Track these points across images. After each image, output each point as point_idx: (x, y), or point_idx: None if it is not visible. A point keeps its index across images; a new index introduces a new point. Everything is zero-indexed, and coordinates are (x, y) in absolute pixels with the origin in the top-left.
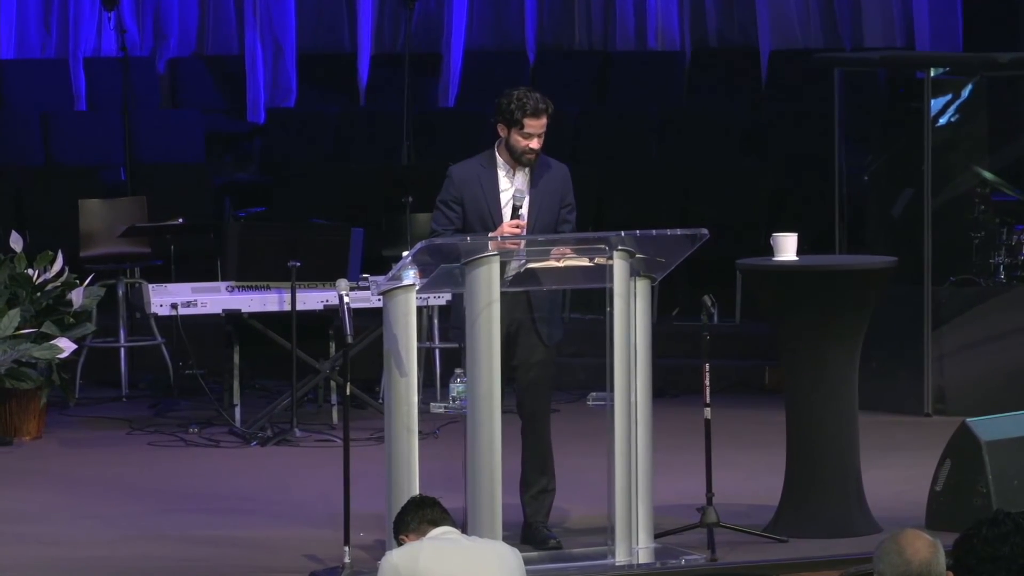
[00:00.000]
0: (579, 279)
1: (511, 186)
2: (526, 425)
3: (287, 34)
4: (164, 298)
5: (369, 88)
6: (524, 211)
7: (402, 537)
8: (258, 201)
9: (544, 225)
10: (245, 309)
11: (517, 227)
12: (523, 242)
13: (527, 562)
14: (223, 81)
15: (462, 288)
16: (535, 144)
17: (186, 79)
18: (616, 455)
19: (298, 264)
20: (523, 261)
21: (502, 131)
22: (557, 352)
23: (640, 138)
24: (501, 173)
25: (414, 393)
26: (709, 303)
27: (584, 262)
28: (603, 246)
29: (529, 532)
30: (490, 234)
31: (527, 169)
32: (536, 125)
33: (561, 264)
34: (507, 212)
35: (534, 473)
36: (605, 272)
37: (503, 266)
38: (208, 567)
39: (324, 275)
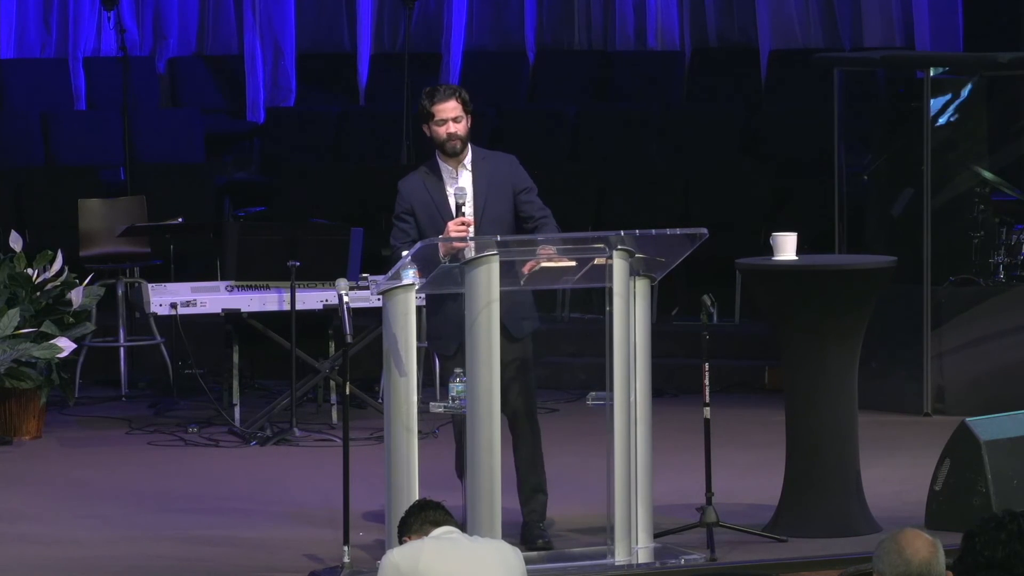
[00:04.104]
0: (569, 279)
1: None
2: (511, 424)
3: (287, 34)
4: (163, 298)
5: (369, 88)
6: (467, 208)
7: (405, 539)
8: (258, 201)
9: (494, 217)
10: (244, 309)
11: (463, 224)
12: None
13: (526, 562)
14: (223, 81)
15: (460, 288)
16: (452, 128)
17: (186, 79)
18: (615, 455)
19: (298, 264)
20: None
21: (426, 131)
22: (532, 343)
23: (640, 138)
24: (445, 176)
25: (414, 393)
26: (709, 303)
27: (569, 263)
28: (602, 246)
29: (523, 531)
30: (440, 237)
31: (469, 167)
32: (446, 109)
33: (546, 265)
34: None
35: (523, 472)
36: (604, 272)
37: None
38: (208, 567)
39: (324, 275)
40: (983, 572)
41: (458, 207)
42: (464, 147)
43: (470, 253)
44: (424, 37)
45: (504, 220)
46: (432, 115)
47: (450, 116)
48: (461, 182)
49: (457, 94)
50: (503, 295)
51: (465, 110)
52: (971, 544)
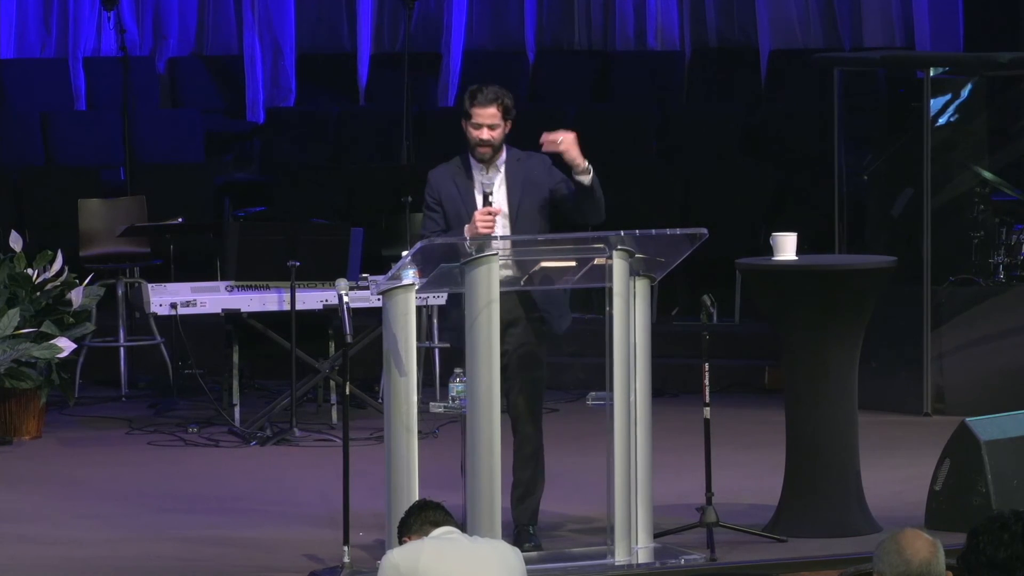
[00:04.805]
0: (569, 279)
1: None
2: (513, 423)
3: (286, 34)
4: (163, 298)
5: (369, 88)
6: (495, 198)
7: (405, 539)
8: (258, 201)
9: (526, 219)
10: (244, 309)
11: (489, 214)
12: (499, 230)
13: (526, 562)
14: (222, 81)
15: (461, 288)
16: (485, 135)
17: (186, 79)
18: (615, 455)
19: (298, 264)
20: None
21: (463, 126)
22: (548, 349)
23: (640, 138)
24: (475, 173)
25: (414, 393)
26: (709, 303)
27: (570, 263)
28: (602, 246)
29: (514, 536)
30: (466, 227)
31: (501, 169)
32: (484, 114)
33: (546, 265)
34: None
35: (516, 472)
36: (604, 272)
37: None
38: (208, 567)
39: (323, 275)
40: (984, 571)
41: (485, 196)
42: (495, 154)
43: (498, 243)
44: (424, 37)
45: (536, 222)
46: (470, 116)
47: (486, 123)
48: (489, 179)
49: (499, 101)
50: (538, 297)
51: (505, 117)
52: (975, 542)
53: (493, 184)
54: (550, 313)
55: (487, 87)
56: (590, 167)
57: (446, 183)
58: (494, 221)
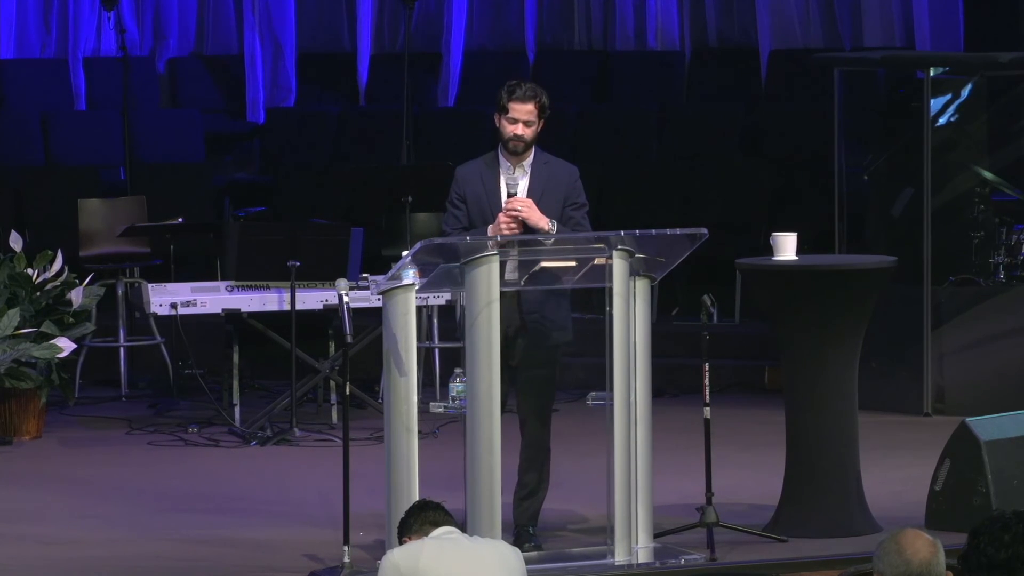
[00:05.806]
0: (569, 279)
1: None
2: (521, 425)
3: (287, 34)
4: (164, 298)
5: (369, 88)
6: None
7: (405, 539)
8: (258, 201)
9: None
10: (245, 309)
11: (513, 211)
12: (519, 230)
13: (526, 562)
14: (223, 81)
15: (462, 288)
16: (520, 130)
17: (186, 79)
18: (615, 455)
19: (298, 264)
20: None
21: (496, 121)
22: (561, 352)
23: (640, 138)
24: (502, 171)
25: (414, 393)
26: (709, 303)
27: (570, 263)
28: (602, 246)
29: (514, 536)
30: (490, 227)
31: (528, 169)
32: (520, 110)
33: (546, 265)
34: None
35: (521, 473)
36: (604, 272)
37: (503, 265)
38: (208, 567)
39: (324, 275)
40: (985, 572)
41: (509, 196)
42: (526, 150)
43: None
44: (424, 37)
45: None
46: (506, 110)
47: (522, 118)
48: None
49: (537, 98)
50: (539, 301)
51: (540, 115)
52: (976, 542)
53: (517, 186)
54: (552, 322)
55: (523, 83)
56: (553, 224)
57: (473, 181)
58: (520, 224)
